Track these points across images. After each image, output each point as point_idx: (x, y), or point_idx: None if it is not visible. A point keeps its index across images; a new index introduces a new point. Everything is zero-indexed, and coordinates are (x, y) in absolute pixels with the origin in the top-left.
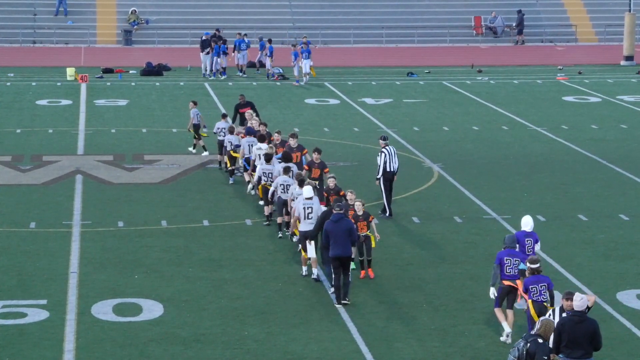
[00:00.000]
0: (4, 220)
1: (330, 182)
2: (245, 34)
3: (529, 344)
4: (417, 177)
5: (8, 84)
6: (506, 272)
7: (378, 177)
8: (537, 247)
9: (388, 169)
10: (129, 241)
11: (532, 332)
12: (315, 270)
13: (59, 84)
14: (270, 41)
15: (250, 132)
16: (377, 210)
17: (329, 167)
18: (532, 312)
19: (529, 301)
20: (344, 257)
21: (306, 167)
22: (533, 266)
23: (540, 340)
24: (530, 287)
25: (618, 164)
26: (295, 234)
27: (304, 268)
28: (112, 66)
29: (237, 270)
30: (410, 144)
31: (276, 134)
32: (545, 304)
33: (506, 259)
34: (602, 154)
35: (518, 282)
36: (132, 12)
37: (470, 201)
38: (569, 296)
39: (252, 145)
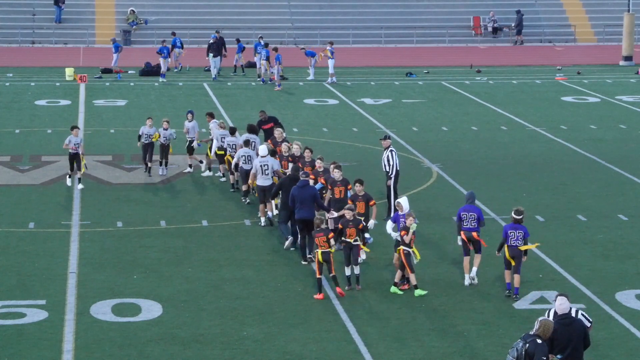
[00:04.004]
0: (3, 221)
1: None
2: (261, 37)
3: (527, 344)
4: (416, 177)
5: (7, 84)
6: (464, 225)
7: (392, 175)
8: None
9: (397, 168)
10: (128, 241)
11: (531, 333)
12: (262, 219)
13: (57, 84)
14: (267, 45)
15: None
16: (382, 213)
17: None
18: (507, 255)
19: (505, 246)
20: (308, 219)
21: (350, 202)
22: (516, 217)
23: (539, 341)
24: (509, 231)
25: (617, 164)
26: (246, 193)
27: (262, 219)
28: (111, 66)
29: (236, 271)
30: (409, 144)
31: (307, 151)
32: (519, 248)
33: (463, 214)
34: (601, 154)
35: (474, 233)
36: (130, 12)
37: None
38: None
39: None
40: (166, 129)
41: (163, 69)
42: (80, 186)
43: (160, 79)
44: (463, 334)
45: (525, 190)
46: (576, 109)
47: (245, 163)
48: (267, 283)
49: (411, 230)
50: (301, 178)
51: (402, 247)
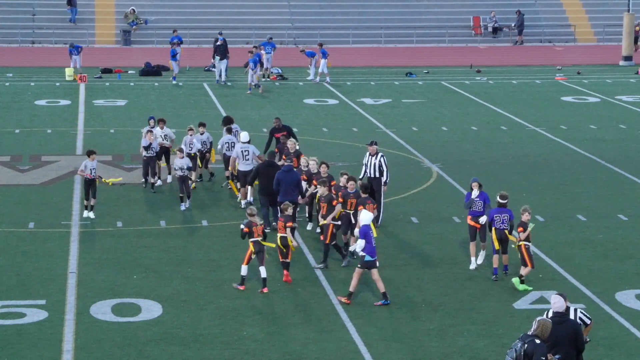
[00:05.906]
0: (3, 220)
1: None
2: (271, 37)
3: (526, 345)
4: (416, 177)
5: (7, 84)
6: (472, 209)
7: (387, 181)
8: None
9: None
10: (128, 241)
11: (529, 333)
12: (243, 202)
13: (57, 84)
14: (256, 48)
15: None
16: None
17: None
18: (494, 238)
19: (493, 229)
20: (291, 202)
21: (361, 208)
22: (501, 201)
23: (537, 341)
24: (494, 216)
25: (617, 164)
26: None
27: (243, 202)
28: (110, 66)
29: (235, 271)
30: (409, 144)
31: (323, 166)
32: (505, 231)
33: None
34: (601, 154)
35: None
36: (130, 12)
37: None
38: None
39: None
40: (182, 158)
41: (175, 71)
42: (91, 215)
43: (173, 81)
44: (463, 334)
45: (525, 191)
46: (576, 109)
47: (228, 150)
48: (267, 283)
49: (529, 228)
50: (285, 164)
51: (523, 243)
